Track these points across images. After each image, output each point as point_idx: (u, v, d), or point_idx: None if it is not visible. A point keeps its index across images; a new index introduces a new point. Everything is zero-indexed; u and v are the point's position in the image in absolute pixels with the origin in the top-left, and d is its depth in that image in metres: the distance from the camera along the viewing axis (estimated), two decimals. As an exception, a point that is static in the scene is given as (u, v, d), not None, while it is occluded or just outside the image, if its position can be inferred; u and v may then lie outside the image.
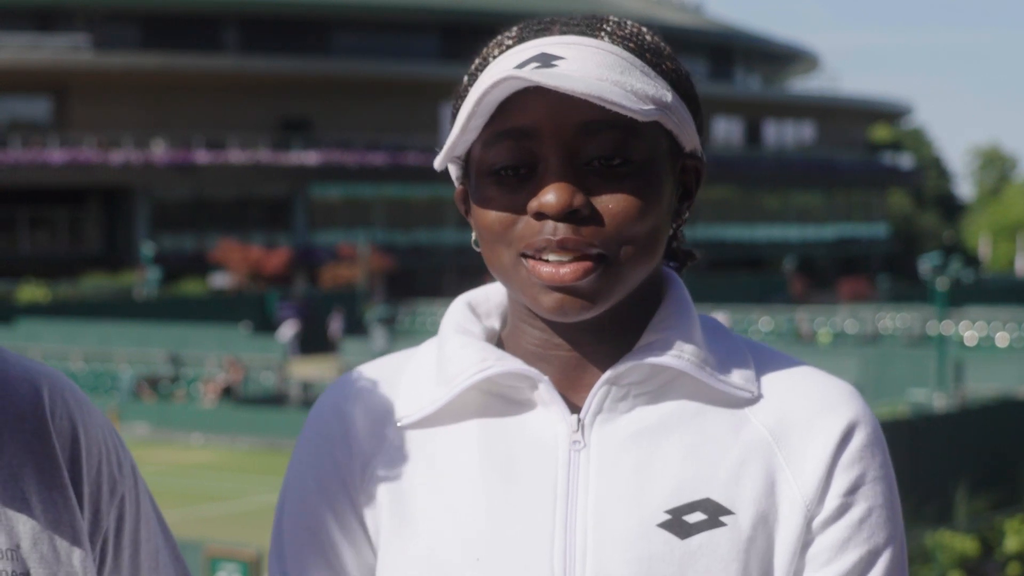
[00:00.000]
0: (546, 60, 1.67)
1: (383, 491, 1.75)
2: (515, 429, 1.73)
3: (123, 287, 55.69)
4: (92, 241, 67.27)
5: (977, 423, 21.20)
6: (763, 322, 44.84)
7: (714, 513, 1.68)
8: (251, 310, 49.83)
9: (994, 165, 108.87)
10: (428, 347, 1.83)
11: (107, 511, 1.78)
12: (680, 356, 1.71)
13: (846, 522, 1.70)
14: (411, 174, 70.38)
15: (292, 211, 69.40)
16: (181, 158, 66.47)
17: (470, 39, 76.85)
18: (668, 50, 1.75)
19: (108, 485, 1.78)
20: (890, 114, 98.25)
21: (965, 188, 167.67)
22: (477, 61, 1.76)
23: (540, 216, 1.66)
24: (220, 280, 58.80)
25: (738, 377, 1.74)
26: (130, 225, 66.23)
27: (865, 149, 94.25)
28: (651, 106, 1.67)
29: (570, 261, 1.66)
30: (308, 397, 33.80)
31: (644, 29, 1.74)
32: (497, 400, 1.75)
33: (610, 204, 1.66)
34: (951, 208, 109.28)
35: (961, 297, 44.50)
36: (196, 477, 26.57)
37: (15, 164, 63.83)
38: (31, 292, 51.24)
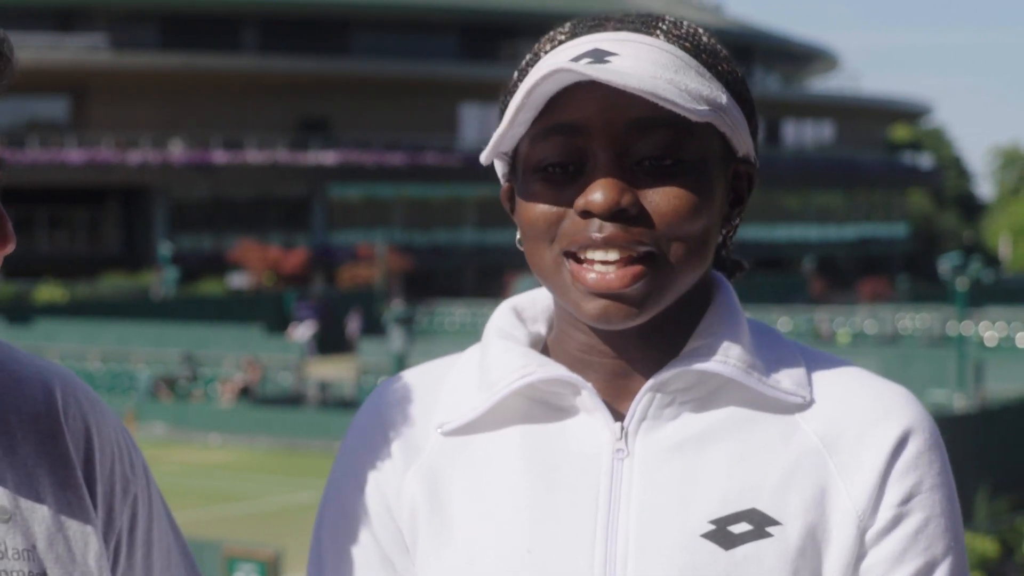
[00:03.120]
0: (599, 56, 1.63)
1: (422, 499, 1.71)
2: (557, 436, 1.69)
3: (141, 287, 55.85)
4: (110, 241, 67.46)
5: (997, 424, 21.15)
6: (783, 322, 44.74)
7: (760, 524, 1.63)
8: (269, 310, 49.91)
9: (1014, 165, 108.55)
10: (471, 352, 1.79)
11: (120, 510, 1.78)
12: (726, 362, 1.66)
13: (901, 533, 1.65)
14: (430, 174, 70.50)
15: (310, 211, 69.53)
16: (199, 158, 66.62)
17: (489, 39, 76.99)
18: (724, 52, 1.71)
19: (121, 485, 1.78)
20: (910, 114, 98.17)
21: (985, 188, 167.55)
22: (528, 56, 1.72)
23: (586, 214, 1.61)
24: (238, 280, 58.92)
25: (788, 382, 1.69)
26: (148, 225, 66.41)
27: (885, 149, 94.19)
28: (705, 106, 1.62)
29: (617, 265, 1.61)
30: (325, 397, 33.87)
31: (701, 30, 1.70)
32: (540, 407, 1.71)
33: (660, 202, 1.61)
34: (971, 208, 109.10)
35: (981, 297, 44.41)
36: (214, 477, 26.62)
37: (33, 164, 64.01)
38: (49, 292, 51.39)
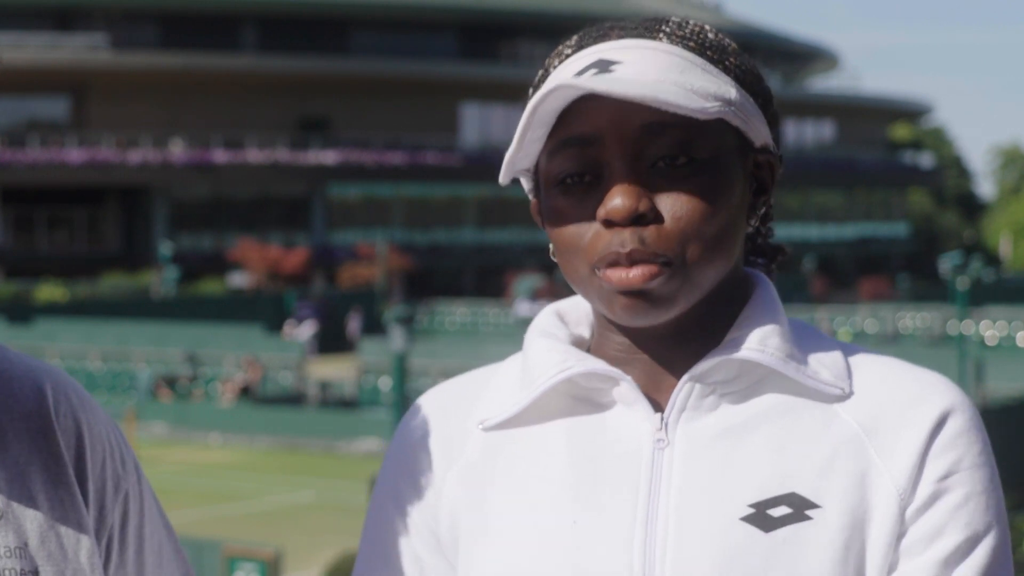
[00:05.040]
0: (604, 66, 1.67)
1: (462, 497, 1.76)
2: (598, 429, 1.73)
3: (141, 287, 55.89)
4: (110, 241, 67.51)
5: (998, 423, 21.14)
6: (782, 322, 44.71)
7: (800, 507, 1.66)
8: (269, 310, 49.93)
9: (1015, 164, 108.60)
10: (514, 357, 1.83)
11: (112, 507, 1.79)
12: (765, 351, 1.69)
13: (940, 509, 1.66)
14: (429, 173, 70.56)
15: (310, 210, 69.59)
16: (199, 157, 66.68)
17: (488, 38, 77.04)
18: (733, 46, 1.73)
19: (112, 482, 1.79)
20: (910, 113, 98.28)
21: (986, 187, 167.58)
22: (540, 73, 1.76)
23: (608, 223, 1.65)
24: (238, 280, 58.98)
25: (827, 373, 1.71)
26: (148, 225, 66.47)
27: (885, 148, 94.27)
28: (712, 103, 1.65)
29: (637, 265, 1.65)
30: (326, 397, 33.89)
31: (707, 27, 1.72)
32: (580, 404, 1.75)
33: (676, 205, 1.65)
34: (971, 207, 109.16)
35: (981, 296, 44.41)
36: (214, 477, 26.64)
37: (33, 164, 64.09)
38: (49, 292, 51.43)
